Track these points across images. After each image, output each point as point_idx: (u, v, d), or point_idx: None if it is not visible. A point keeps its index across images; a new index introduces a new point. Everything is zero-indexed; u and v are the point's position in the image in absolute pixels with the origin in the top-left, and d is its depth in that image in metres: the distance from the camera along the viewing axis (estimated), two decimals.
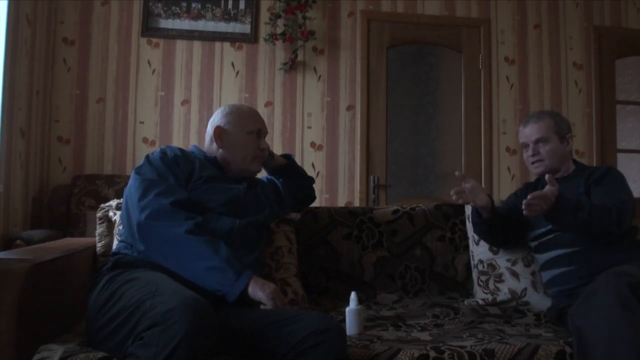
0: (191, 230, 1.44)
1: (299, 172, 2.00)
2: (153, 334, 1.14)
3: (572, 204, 1.63)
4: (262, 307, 1.40)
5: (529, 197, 1.58)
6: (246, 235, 1.62)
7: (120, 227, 1.83)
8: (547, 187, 1.62)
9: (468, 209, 2.12)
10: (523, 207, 1.59)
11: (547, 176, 1.64)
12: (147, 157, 1.64)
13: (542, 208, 1.59)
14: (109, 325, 1.30)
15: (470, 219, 2.10)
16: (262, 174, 1.94)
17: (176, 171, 1.59)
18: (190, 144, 2.96)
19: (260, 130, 1.76)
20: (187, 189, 1.59)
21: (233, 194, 1.66)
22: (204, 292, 1.34)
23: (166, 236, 1.44)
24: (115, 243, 1.88)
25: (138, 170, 1.59)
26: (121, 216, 1.62)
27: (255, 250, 1.67)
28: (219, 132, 1.73)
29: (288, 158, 1.97)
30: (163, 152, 1.64)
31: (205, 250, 1.42)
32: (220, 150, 1.73)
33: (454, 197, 1.79)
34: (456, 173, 1.86)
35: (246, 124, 1.75)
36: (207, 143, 1.77)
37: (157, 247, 1.45)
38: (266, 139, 1.81)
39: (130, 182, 1.57)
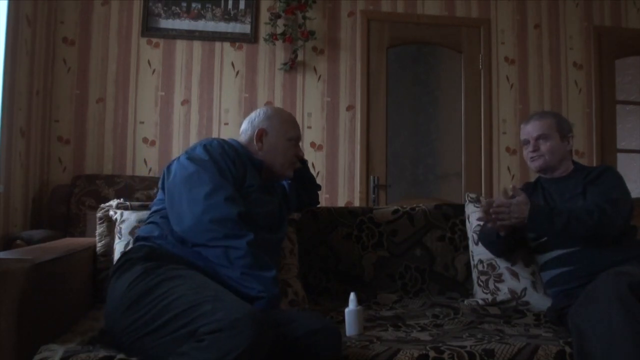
0: (252, 242, 1.42)
1: (311, 177, 2.00)
2: (218, 338, 1.13)
3: (546, 211, 1.70)
4: None
5: (492, 209, 1.71)
6: (276, 250, 1.63)
7: (121, 223, 1.81)
8: (515, 198, 1.70)
9: (468, 209, 2.13)
10: (489, 222, 1.73)
11: (511, 186, 1.74)
12: (206, 148, 1.56)
13: (513, 217, 1.69)
14: (148, 319, 1.26)
15: (468, 221, 2.10)
16: None
17: (234, 172, 1.55)
18: (191, 143, 2.95)
19: (298, 137, 1.76)
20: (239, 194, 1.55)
21: (271, 208, 1.65)
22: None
23: (225, 242, 1.41)
24: (115, 241, 1.87)
25: (200, 162, 1.52)
26: (168, 199, 1.52)
27: (278, 265, 1.68)
28: (261, 133, 1.70)
29: (303, 163, 1.94)
30: (222, 147, 1.58)
31: (261, 261, 1.42)
32: (260, 152, 1.70)
33: (492, 216, 1.74)
34: (503, 189, 1.77)
35: (287, 130, 1.73)
36: (245, 142, 1.72)
37: (210, 246, 1.43)
38: None
39: (190, 170, 1.50)
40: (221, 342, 1.12)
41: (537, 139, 1.92)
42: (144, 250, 1.46)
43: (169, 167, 1.58)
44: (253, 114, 1.76)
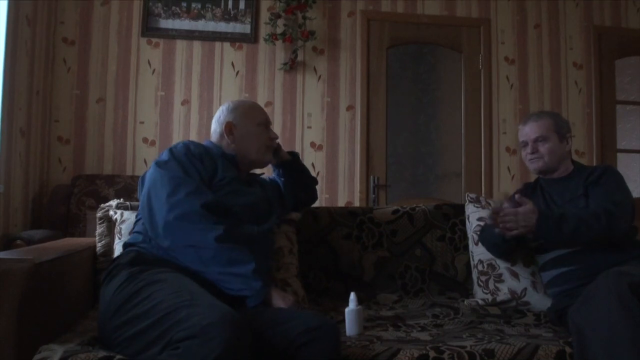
0: (220, 237, 1.42)
1: (304, 170, 2.00)
2: (190, 345, 1.12)
3: (554, 217, 1.67)
4: None
5: (499, 217, 1.67)
6: (264, 241, 1.63)
7: (121, 223, 1.81)
8: (522, 207, 1.66)
9: (468, 209, 2.12)
10: (501, 230, 1.69)
11: (517, 196, 1.68)
12: (171, 151, 1.59)
13: (521, 226, 1.66)
14: (131, 325, 1.27)
15: (468, 221, 2.10)
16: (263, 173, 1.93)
17: (200, 169, 1.56)
18: None
19: (267, 121, 1.78)
20: (211, 189, 1.56)
21: (252, 199, 1.66)
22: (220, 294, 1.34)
23: (195, 240, 1.42)
24: (115, 241, 1.88)
25: (164, 165, 1.54)
26: (141, 208, 1.55)
27: (269, 255, 1.67)
28: (229, 127, 1.71)
29: (293, 155, 1.97)
30: (187, 147, 1.61)
31: (234, 257, 1.42)
32: (233, 145, 1.71)
33: (500, 224, 1.71)
34: (506, 195, 1.77)
35: (255, 117, 1.75)
36: (217, 140, 1.74)
37: (183, 247, 1.44)
38: None
39: (155, 175, 1.53)
40: (194, 349, 1.11)
41: (535, 140, 1.90)
42: (130, 255, 1.47)
43: (142, 178, 1.60)
44: (218, 112, 1.78)
